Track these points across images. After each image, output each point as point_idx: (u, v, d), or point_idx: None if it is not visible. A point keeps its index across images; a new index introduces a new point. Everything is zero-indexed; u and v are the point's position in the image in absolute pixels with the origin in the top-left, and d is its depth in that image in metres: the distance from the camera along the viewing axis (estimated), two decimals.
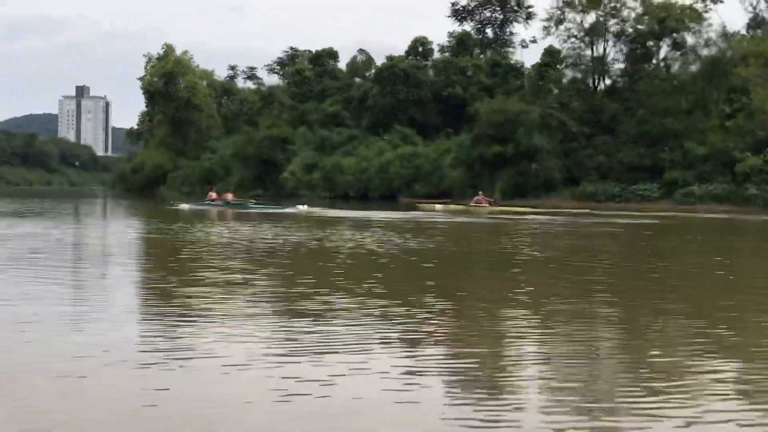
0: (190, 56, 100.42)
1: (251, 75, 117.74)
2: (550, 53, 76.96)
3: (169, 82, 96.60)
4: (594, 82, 73.96)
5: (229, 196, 43.95)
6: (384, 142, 77.48)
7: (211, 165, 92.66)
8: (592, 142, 67.79)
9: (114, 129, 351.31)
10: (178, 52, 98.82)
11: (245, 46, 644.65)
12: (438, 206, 47.86)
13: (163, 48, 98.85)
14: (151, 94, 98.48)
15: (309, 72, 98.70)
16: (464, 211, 43.45)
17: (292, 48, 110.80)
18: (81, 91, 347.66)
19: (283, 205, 43.47)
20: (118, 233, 23.12)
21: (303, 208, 39.68)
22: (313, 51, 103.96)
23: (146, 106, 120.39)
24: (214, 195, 44.38)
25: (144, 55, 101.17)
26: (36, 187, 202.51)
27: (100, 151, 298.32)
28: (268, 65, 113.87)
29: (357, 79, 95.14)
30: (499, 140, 66.15)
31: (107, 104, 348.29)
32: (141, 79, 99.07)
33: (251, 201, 44.79)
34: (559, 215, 40.67)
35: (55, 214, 35.16)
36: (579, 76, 74.26)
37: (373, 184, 73.34)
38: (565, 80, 76.85)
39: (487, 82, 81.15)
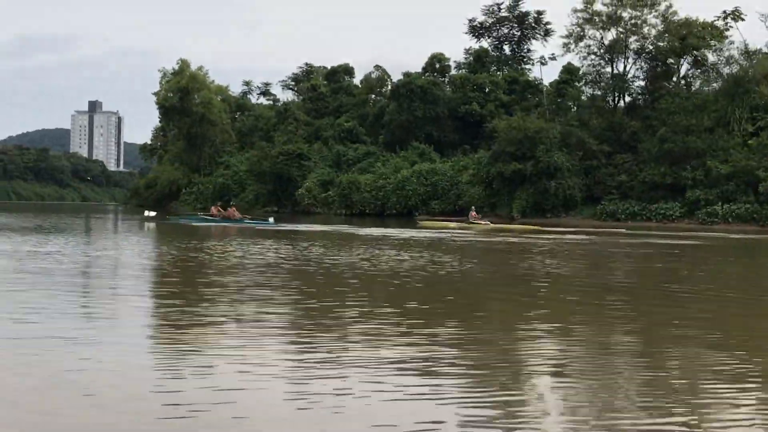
0: (205, 71, 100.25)
1: (265, 91, 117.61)
2: (569, 70, 76.53)
3: (184, 97, 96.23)
4: (614, 100, 73.23)
5: (236, 213, 43.87)
6: (400, 159, 76.89)
7: (225, 181, 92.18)
8: (613, 160, 66.96)
9: (126, 144, 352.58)
10: (193, 67, 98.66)
11: (260, 62, 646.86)
12: (438, 223, 48.56)
13: (177, 63, 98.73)
14: (166, 109, 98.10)
15: (324, 88, 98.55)
16: (465, 228, 43.41)
17: (307, 64, 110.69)
18: (93, 106, 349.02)
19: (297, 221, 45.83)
20: (153, 253, 22.31)
21: (271, 220, 43.89)
22: (329, 67, 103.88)
23: (160, 122, 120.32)
24: (215, 210, 44.29)
25: (159, 71, 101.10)
26: (48, 202, 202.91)
27: (112, 167, 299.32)
28: (283, 81, 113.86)
29: (373, 96, 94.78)
30: (518, 158, 65.51)
31: (119, 119, 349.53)
32: (156, 94, 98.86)
33: (247, 217, 45.21)
34: (580, 234, 39.77)
35: (73, 230, 34.60)
36: (599, 93, 73.51)
37: (390, 201, 72.71)
38: (583, 97, 76.31)
39: (504, 98, 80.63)
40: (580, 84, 77.08)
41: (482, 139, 77.68)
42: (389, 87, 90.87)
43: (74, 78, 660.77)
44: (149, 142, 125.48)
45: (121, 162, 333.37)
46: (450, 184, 71.44)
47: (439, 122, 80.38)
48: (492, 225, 45.64)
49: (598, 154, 66.98)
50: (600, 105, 72.95)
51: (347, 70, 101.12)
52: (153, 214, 50.62)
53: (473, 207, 52.98)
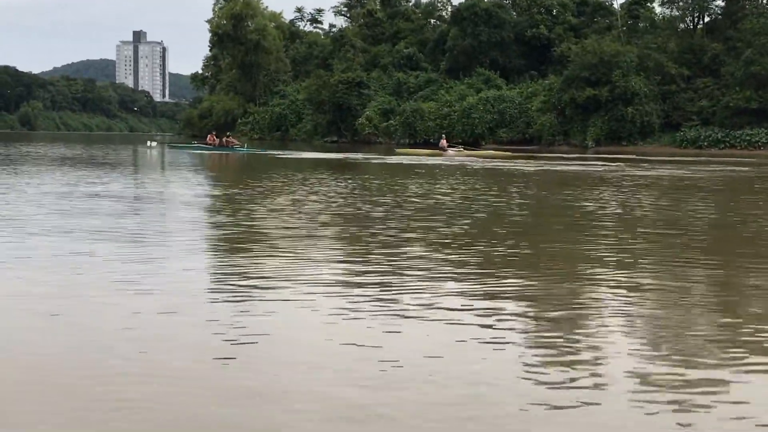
0: None
1: (316, 18, 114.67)
2: None
3: (237, 24, 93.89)
4: (693, 21, 69.37)
5: (233, 141, 44.91)
6: (465, 86, 74.20)
7: (282, 110, 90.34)
8: (693, 84, 63.73)
9: (170, 75, 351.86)
10: None
11: None
12: (413, 151, 48.11)
13: None
14: (219, 37, 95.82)
15: (381, 13, 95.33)
16: (437, 155, 42.59)
17: None
18: (138, 37, 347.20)
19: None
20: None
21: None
22: None
23: (210, 50, 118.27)
24: (210, 139, 45.15)
25: None
26: (96, 132, 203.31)
27: (157, 97, 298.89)
28: (335, 7, 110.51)
29: (432, 21, 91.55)
30: (592, 83, 62.73)
31: (164, 49, 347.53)
32: (209, 21, 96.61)
33: (238, 145, 45.35)
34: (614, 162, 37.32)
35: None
36: (677, 13, 69.61)
37: (455, 130, 70.31)
38: (657, 18, 72.61)
39: (573, 21, 77.11)
40: (652, 4, 73.33)
41: (550, 65, 74.60)
42: (449, 10, 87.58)
43: (117, 8, 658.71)
44: (200, 71, 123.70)
45: (167, 93, 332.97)
46: (518, 112, 68.84)
47: (504, 47, 77.23)
48: (465, 151, 44.78)
49: (676, 79, 63.78)
50: (677, 26, 69.17)
51: None
52: (155, 143, 50.39)
53: (443, 135, 51.90)
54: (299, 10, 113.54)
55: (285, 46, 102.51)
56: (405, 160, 37.97)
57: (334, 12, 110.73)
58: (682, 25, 69.38)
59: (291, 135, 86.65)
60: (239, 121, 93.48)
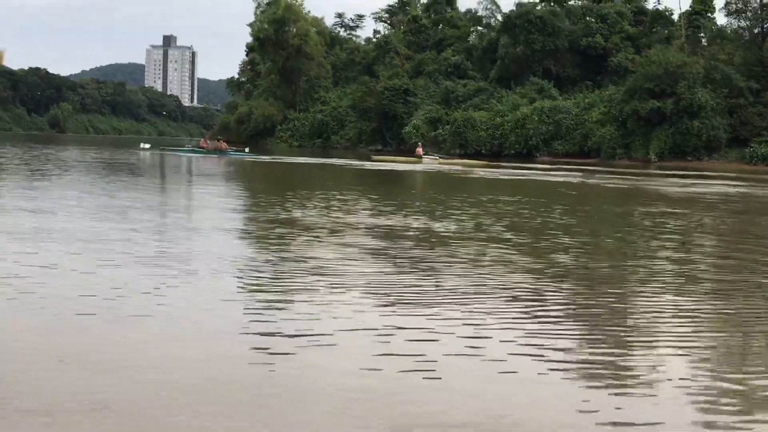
0: (300, 2, 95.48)
1: (355, 25, 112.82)
2: None
3: (279, 29, 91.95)
4: (762, 32, 66.48)
5: (223, 145, 45.25)
6: (518, 95, 71.66)
7: (323, 117, 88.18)
8: (762, 98, 60.92)
9: (198, 80, 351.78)
10: None
11: None
12: (390, 158, 47.69)
13: None
14: (260, 41, 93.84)
15: (425, 20, 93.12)
16: (414, 163, 42.86)
17: None
18: (168, 41, 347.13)
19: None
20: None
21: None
22: None
23: (247, 55, 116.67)
24: (204, 143, 46.55)
25: (253, 0, 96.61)
26: (125, 135, 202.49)
27: (185, 102, 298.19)
28: (376, 13, 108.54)
29: (478, 28, 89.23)
30: (656, 95, 60.07)
31: (193, 54, 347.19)
32: (250, 25, 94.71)
33: (232, 149, 46.34)
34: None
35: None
36: (744, 24, 66.78)
37: (508, 141, 67.86)
38: (716, 29, 69.96)
39: (630, 30, 74.44)
40: (713, 15, 70.66)
41: (605, 75, 72.11)
42: (497, 17, 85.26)
43: (148, 11, 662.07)
44: (236, 75, 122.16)
45: (195, 97, 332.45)
46: (575, 123, 66.17)
47: (557, 56, 74.66)
48: (441, 160, 44.33)
49: (744, 92, 60.98)
50: (744, 37, 66.37)
51: (449, 1, 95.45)
52: (148, 146, 50.05)
53: (419, 143, 52.36)
54: (339, 15, 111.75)
55: (325, 52, 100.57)
56: (402, 167, 39.25)
57: (374, 18, 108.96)
58: (748, 36, 66.48)
59: (332, 142, 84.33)
60: (279, 127, 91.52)
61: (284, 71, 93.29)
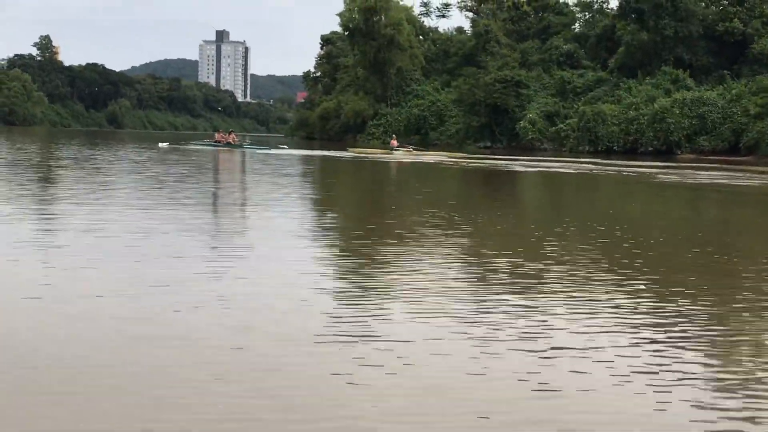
0: None
1: (441, 15, 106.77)
2: None
3: (369, 18, 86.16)
4: None
5: (233, 138, 46.83)
6: (650, 87, 65.01)
7: (420, 111, 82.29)
8: None
9: (251, 76, 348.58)
10: None
11: None
12: (365, 149, 48.89)
13: None
14: (350, 31, 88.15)
15: (527, 7, 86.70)
16: (387, 154, 43.34)
17: None
18: (221, 36, 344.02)
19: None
20: None
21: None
22: None
23: (322, 48, 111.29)
24: (218, 136, 47.17)
25: None
26: (182, 131, 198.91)
27: (239, 97, 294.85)
28: (462, 1, 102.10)
29: (587, 14, 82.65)
30: None
31: (246, 49, 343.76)
32: (339, 14, 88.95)
33: (246, 142, 49.27)
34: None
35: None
36: None
37: (644, 137, 61.40)
38: None
39: None
40: None
41: (744, 64, 65.23)
42: (611, 2, 78.72)
43: (193, 6, 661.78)
44: (312, 69, 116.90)
45: (248, 93, 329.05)
46: (722, 117, 59.48)
47: (690, 43, 67.81)
48: (414, 151, 44.05)
49: None
50: None
51: None
52: (166, 144, 50.07)
53: (393, 135, 52.23)
54: (425, 4, 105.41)
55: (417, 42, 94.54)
56: (389, 158, 39.41)
57: (459, 7, 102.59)
58: None
59: (431, 139, 78.12)
60: (370, 123, 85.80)
61: (375, 63, 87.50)
